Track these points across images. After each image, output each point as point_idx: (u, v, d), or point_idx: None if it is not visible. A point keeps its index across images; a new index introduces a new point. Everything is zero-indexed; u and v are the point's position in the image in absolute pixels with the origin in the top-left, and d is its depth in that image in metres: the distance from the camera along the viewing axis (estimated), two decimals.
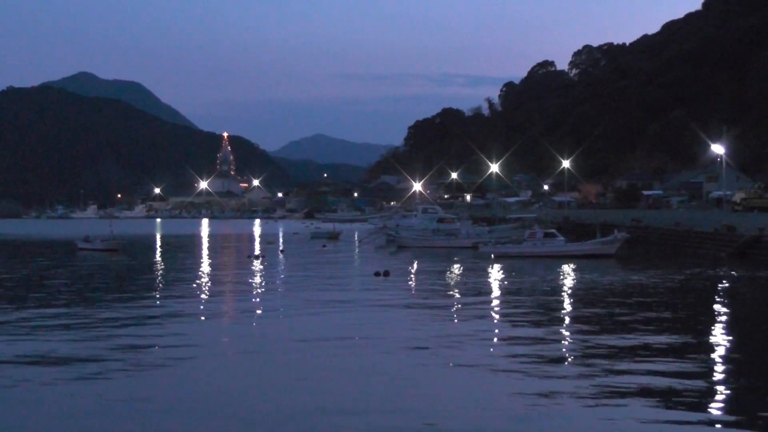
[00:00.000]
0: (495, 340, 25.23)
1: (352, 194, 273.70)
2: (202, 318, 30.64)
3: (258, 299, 36.76)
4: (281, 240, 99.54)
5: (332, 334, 25.80)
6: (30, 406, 17.25)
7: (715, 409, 16.45)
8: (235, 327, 28.63)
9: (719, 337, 25.45)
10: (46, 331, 26.82)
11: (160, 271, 53.84)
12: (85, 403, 17.37)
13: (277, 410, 16.65)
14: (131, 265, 60.54)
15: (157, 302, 35.77)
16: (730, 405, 16.83)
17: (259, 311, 32.50)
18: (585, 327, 27.21)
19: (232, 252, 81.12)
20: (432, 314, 30.85)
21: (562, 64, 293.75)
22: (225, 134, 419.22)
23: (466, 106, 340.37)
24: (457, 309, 32.91)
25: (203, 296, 38.19)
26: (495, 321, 29.60)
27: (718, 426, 15.36)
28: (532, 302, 34.38)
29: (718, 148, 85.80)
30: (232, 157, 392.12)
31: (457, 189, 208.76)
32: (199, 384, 19.25)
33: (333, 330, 26.78)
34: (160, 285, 44.02)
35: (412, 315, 30.88)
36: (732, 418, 15.85)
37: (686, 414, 15.94)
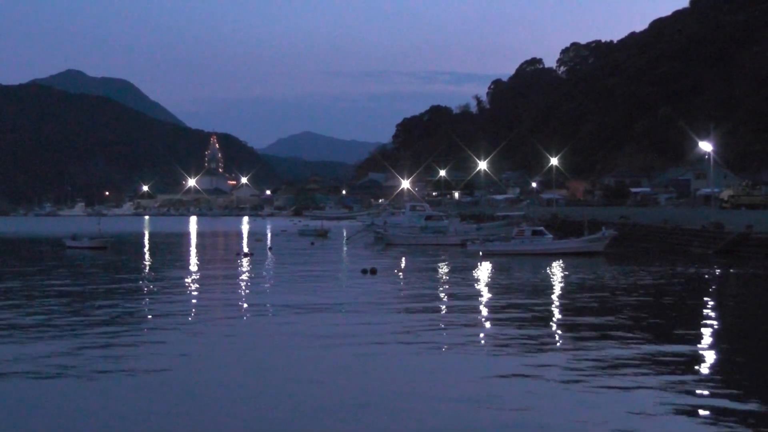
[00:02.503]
0: (482, 338, 25.23)
1: (341, 192, 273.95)
2: (190, 319, 30.53)
3: (246, 301, 36.64)
4: (269, 238, 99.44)
5: (319, 332, 25.79)
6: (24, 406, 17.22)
7: (703, 405, 16.49)
8: (224, 329, 28.46)
9: (705, 335, 25.50)
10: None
11: (148, 271, 53.61)
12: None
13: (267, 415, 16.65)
14: (119, 263, 60.32)
15: (144, 304, 35.66)
16: (714, 399, 16.87)
17: (246, 314, 32.40)
18: (574, 327, 27.19)
19: (220, 250, 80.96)
20: (419, 314, 30.76)
21: (550, 61, 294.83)
22: (213, 132, 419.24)
23: (451, 103, 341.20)
24: (445, 308, 32.87)
25: (192, 297, 38.08)
26: (482, 321, 29.54)
27: (707, 423, 15.39)
28: (520, 301, 34.37)
29: (705, 146, 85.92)
30: (220, 155, 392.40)
31: (446, 186, 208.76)
32: (182, 389, 19.20)
33: (320, 328, 26.75)
34: (148, 285, 43.83)
35: (398, 315, 30.82)
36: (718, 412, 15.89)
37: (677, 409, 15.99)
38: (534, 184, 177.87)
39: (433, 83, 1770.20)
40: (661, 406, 16.26)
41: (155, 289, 40.22)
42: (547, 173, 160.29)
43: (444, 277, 46.28)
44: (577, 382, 18.41)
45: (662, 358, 21.01)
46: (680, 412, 15.92)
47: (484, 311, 31.47)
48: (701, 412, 16.01)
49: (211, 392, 18.07)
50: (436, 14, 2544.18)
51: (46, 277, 47.69)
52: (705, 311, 31.30)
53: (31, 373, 19.98)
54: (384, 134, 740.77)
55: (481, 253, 62.68)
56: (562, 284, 41.25)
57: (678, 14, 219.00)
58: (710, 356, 21.93)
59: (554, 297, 35.88)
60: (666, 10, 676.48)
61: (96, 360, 21.57)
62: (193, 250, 77.86)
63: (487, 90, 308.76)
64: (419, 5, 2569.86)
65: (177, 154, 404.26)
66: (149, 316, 30.46)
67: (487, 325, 27.98)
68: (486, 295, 36.53)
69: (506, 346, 23.23)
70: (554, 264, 53.35)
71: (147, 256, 68.83)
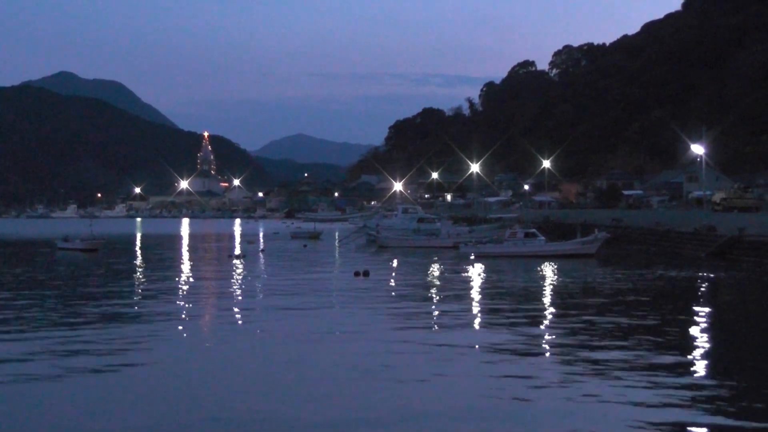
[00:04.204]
0: (476, 346, 25.18)
1: (333, 194, 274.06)
2: (179, 326, 30.41)
3: (237, 304, 36.50)
4: (262, 240, 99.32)
5: (311, 333, 25.72)
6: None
7: (692, 407, 16.42)
8: (214, 333, 28.37)
9: (697, 337, 25.46)
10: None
11: (139, 273, 53.44)
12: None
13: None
14: (110, 265, 60.09)
15: (135, 307, 35.53)
16: (707, 401, 16.80)
17: (237, 318, 32.31)
18: (566, 329, 27.12)
19: (212, 252, 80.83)
20: (411, 315, 30.69)
21: (543, 64, 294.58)
22: (205, 134, 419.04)
23: (443, 106, 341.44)
24: (436, 310, 32.78)
25: (182, 300, 37.92)
26: (474, 324, 29.47)
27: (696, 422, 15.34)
28: (512, 304, 34.34)
29: (698, 148, 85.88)
30: (212, 157, 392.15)
31: (438, 189, 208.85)
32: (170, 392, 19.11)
33: (312, 329, 26.68)
34: (139, 288, 43.67)
35: (391, 316, 30.75)
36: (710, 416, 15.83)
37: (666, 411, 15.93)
38: (526, 187, 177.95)
39: (425, 86, 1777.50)
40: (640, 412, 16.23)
41: (145, 292, 40.07)
42: (539, 176, 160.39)
43: (436, 280, 46.19)
44: (565, 388, 18.35)
45: (650, 363, 20.98)
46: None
47: (476, 313, 31.41)
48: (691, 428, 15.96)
49: (197, 399, 18.00)
50: (428, 17, 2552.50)
51: (35, 278, 47.59)
52: (696, 315, 31.22)
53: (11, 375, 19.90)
54: (376, 136, 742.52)
55: (473, 256, 62.70)
56: (553, 286, 41.19)
57: (670, 17, 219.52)
58: (700, 363, 21.89)
59: (545, 299, 35.81)
60: (658, 13, 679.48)
61: (80, 364, 21.51)
62: (185, 252, 77.70)
63: (479, 92, 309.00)
64: (411, 8, 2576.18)
65: (169, 156, 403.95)
66: (136, 320, 30.29)
67: (478, 328, 27.89)
68: (477, 298, 36.50)
69: (497, 353, 23.15)
70: (546, 266, 53.36)
71: (138, 258, 68.67)
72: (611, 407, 16.38)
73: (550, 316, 30.31)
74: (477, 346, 23.54)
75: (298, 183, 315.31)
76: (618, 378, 18.90)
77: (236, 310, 32.88)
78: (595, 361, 20.89)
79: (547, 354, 22.76)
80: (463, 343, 23.97)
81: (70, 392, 18.33)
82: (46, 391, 18.39)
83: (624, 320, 28.31)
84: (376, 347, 23.23)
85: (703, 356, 22.21)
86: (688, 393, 17.49)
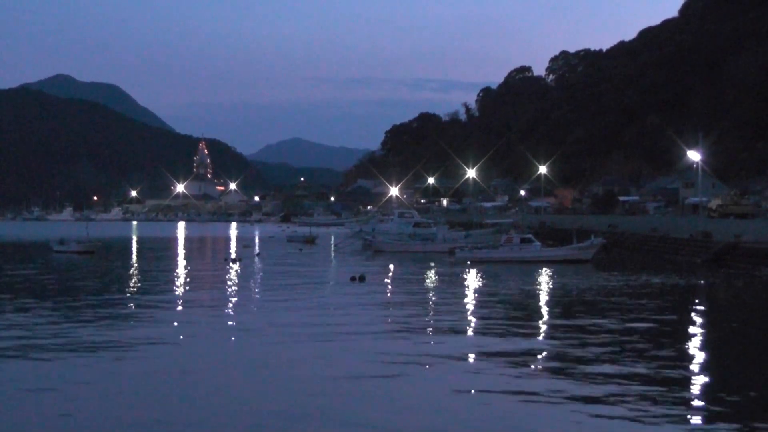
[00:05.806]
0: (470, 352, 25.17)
1: (329, 198, 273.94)
2: (177, 336, 30.37)
3: (233, 309, 36.47)
4: (257, 244, 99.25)
5: (309, 339, 25.72)
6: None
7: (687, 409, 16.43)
8: (211, 340, 28.31)
9: (692, 339, 25.46)
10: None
11: (136, 275, 53.36)
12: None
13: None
14: (106, 268, 60.01)
15: (131, 306, 35.49)
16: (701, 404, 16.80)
17: (234, 325, 32.29)
18: (562, 334, 27.12)
19: (208, 255, 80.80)
20: (407, 319, 30.67)
21: (539, 69, 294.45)
22: (202, 137, 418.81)
23: (439, 111, 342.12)
24: (432, 313, 32.78)
25: (177, 302, 37.89)
26: (469, 331, 29.46)
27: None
28: (508, 310, 34.34)
29: (694, 154, 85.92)
30: (208, 160, 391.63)
31: (434, 194, 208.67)
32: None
33: (309, 334, 26.67)
34: (135, 290, 43.64)
35: (386, 319, 30.74)
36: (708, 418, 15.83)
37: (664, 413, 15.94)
38: (522, 192, 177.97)
39: (420, 90, 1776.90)
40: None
41: (140, 295, 40.03)
42: (535, 181, 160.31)
43: (431, 286, 46.17)
44: (557, 399, 18.36)
45: (646, 367, 20.99)
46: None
47: (469, 321, 31.39)
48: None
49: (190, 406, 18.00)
50: (423, 22, 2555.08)
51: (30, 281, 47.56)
52: (690, 322, 31.22)
53: None
54: (373, 141, 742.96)
55: (469, 261, 62.67)
56: (548, 293, 41.17)
57: (667, 23, 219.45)
58: (692, 374, 21.88)
59: (540, 307, 35.82)
60: (655, 19, 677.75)
61: (78, 366, 21.52)
62: (180, 256, 77.64)
63: (476, 98, 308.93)
64: (407, 12, 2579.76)
65: (166, 160, 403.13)
66: (130, 325, 30.27)
67: (471, 336, 27.88)
68: (471, 305, 36.48)
69: (489, 361, 23.17)
70: (542, 272, 53.35)
71: (134, 262, 68.58)
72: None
73: (543, 326, 30.27)
74: (471, 353, 23.55)
75: (294, 187, 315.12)
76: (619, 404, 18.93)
77: (231, 311, 32.91)
78: (592, 378, 20.89)
79: (540, 366, 22.74)
80: (457, 354, 23.97)
81: (66, 395, 18.35)
82: (40, 398, 18.43)
83: (618, 327, 28.30)
84: (370, 364, 23.10)
85: (703, 373, 22.18)
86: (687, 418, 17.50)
